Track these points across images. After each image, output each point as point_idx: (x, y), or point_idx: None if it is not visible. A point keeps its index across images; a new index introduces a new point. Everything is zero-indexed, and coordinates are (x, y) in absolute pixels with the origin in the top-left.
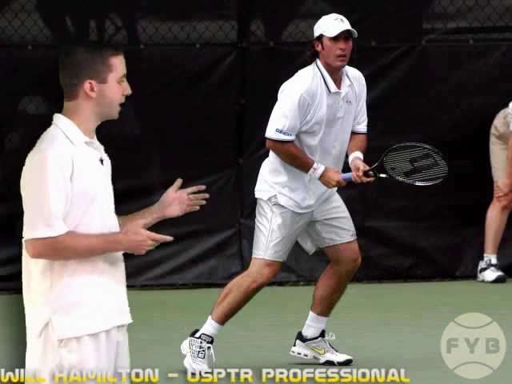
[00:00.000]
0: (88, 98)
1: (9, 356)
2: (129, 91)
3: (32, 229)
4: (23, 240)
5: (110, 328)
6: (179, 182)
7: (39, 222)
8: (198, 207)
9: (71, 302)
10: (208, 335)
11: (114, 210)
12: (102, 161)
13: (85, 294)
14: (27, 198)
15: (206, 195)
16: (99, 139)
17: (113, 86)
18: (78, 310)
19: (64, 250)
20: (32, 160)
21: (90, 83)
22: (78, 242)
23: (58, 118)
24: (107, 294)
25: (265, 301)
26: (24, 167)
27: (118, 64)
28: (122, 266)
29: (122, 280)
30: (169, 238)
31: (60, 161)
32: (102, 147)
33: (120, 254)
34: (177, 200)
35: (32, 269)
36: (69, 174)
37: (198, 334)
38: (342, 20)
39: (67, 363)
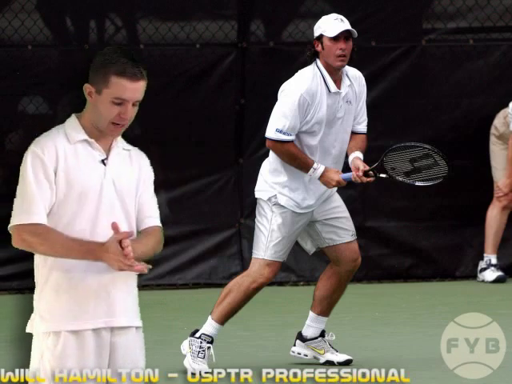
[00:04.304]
0: (90, 103)
1: (9, 356)
2: (125, 117)
3: (14, 216)
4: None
5: (98, 328)
6: (114, 225)
7: (20, 210)
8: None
9: (54, 297)
10: (208, 335)
11: (130, 225)
12: (103, 162)
13: (68, 291)
14: (17, 191)
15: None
16: None
17: (105, 101)
18: (59, 306)
19: (41, 243)
20: None
21: (89, 88)
22: (57, 238)
23: (69, 118)
24: (93, 296)
25: (265, 301)
26: None
27: (117, 85)
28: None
29: (116, 283)
30: (140, 268)
31: (41, 154)
32: (121, 152)
33: None
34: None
35: (35, 263)
36: (52, 167)
37: (198, 334)
38: (342, 20)
39: (46, 358)
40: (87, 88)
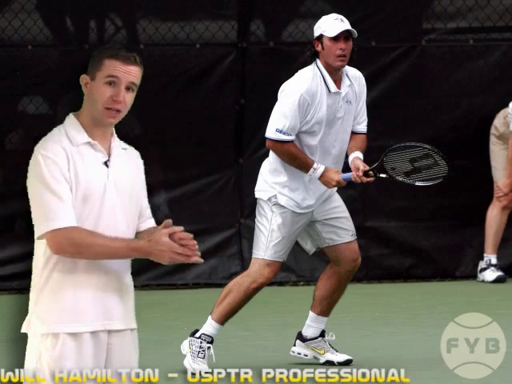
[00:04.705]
0: (86, 95)
1: (9, 356)
2: (118, 99)
3: (45, 223)
4: (36, 238)
5: (96, 330)
6: (169, 223)
7: (53, 214)
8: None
9: (53, 299)
10: (208, 335)
11: (128, 226)
12: (106, 164)
13: (68, 293)
14: (33, 198)
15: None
16: None
17: (99, 84)
18: (57, 308)
19: (84, 247)
20: (30, 162)
21: (85, 78)
22: (100, 241)
23: (68, 117)
24: (91, 299)
25: (265, 301)
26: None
27: (109, 66)
28: (115, 274)
29: (114, 286)
30: (195, 259)
31: (54, 157)
32: (120, 152)
33: (113, 264)
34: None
35: (34, 264)
36: (66, 168)
37: (198, 334)
38: (341, 20)
39: (44, 359)
40: (83, 79)
